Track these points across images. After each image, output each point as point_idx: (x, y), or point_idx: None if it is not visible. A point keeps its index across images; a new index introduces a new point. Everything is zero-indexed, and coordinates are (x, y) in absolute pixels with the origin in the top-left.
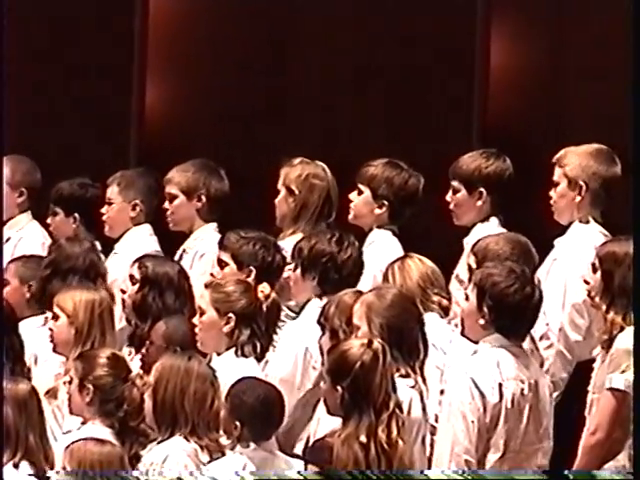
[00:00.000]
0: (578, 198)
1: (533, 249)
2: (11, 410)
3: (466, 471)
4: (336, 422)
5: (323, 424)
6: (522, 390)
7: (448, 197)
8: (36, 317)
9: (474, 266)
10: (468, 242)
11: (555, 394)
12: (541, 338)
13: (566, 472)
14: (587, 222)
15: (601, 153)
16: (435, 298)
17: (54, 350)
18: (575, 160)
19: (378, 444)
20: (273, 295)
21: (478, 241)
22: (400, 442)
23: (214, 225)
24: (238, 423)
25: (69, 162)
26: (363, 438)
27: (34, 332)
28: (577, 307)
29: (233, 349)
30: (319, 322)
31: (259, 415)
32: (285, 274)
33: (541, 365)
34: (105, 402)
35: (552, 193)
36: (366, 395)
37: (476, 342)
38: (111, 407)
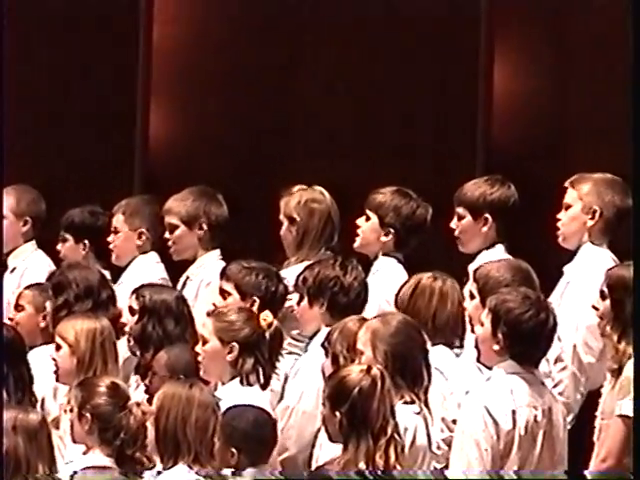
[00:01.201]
0: (590, 222)
1: (534, 275)
2: (22, 440)
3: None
4: (338, 448)
5: (325, 450)
6: (535, 417)
7: (453, 224)
8: (49, 345)
9: (475, 293)
10: (473, 269)
11: (569, 417)
12: (556, 361)
13: (585, 472)
14: (599, 243)
15: (617, 183)
16: None
17: (57, 379)
18: (591, 185)
19: (376, 470)
20: (275, 323)
21: (479, 268)
22: (398, 468)
23: (217, 252)
24: (234, 450)
25: (74, 189)
26: (362, 465)
27: (47, 361)
28: (591, 329)
29: (238, 378)
30: (323, 346)
31: (253, 439)
32: (288, 303)
33: (554, 387)
34: (104, 430)
35: (561, 215)
36: (364, 420)
37: (490, 368)
38: (109, 435)
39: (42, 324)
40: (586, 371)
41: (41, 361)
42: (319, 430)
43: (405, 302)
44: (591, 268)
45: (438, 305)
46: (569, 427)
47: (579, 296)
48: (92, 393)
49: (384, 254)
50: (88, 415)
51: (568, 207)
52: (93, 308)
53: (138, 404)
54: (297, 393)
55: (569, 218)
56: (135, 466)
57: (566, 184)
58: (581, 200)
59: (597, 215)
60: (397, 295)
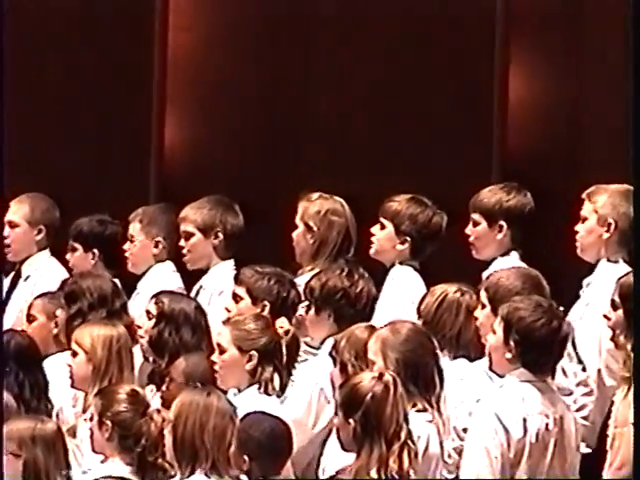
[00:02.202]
0: (606, 235)
1: (544, 282)
2: (41, 450)
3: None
4: (345, 457)
5: (332, 460)
6: (547, 425)
7: (468, 230)
8: (63, 353)
9: (485, 302)
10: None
11: (596, 432)
12: (579, 384)
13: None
14: (616, 262)
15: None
16: None
17: (72, 386)
18: (606, 197)
19: (389, 475)
20: (292, 330)
21: (489, 277)
22: (412, 473)
23: (231, 262)
24: (246, 458)
25: (89, 198)
26: (374, 473)
27: (62, 368)
28: (612, 352)
29: (255, 385)
30: (331, 354)
31: (266, 449)
32: (299, 311)
33: (577, 410)
34: (124, 438)
35: (579, 228)
36: (377, 426)
37: (502, 376)
38: (130, 443)
39: (54, 331)
40: (609, 395)
41: (56, 369)
42: (326, 440)
43: (430, 315)
44: (609, 289)
45: (465, 321)
46: (589, 451)
47: (599, 319)
48: (112, 401)
49: (400, 262)
50: (108, 422)
51: (584, 220)
52: (107, 317)
53: (159, 410)
54: (290, 401)
55: (585, 231)
56: (157, 473)
57: (583, 196)
58: (596, 213)
59: (612, 228)
60: (419, 306)
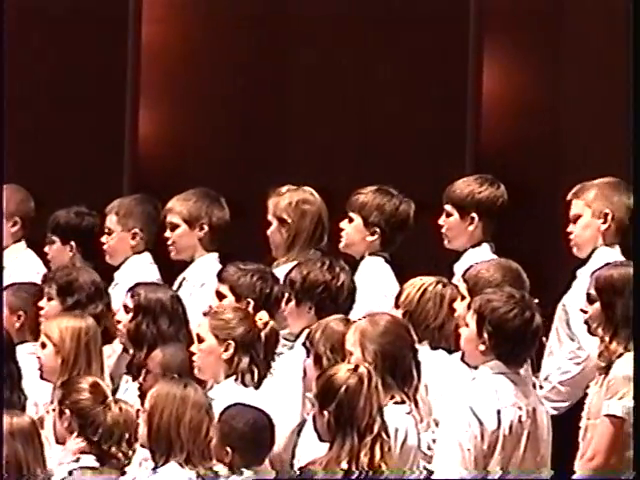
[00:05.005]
0: (604, 226)
1: (524, 275)
2: (20, 444)
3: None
4: (320, 448)
5: (307, 451)
6: (520, 417)
7: (441, 221)
8: (25, 344)
9: (465, 293)
10: (458, 267)
11: (566, 403)
12: (570, 352)
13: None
14: (611, 245)
15: (620, 184)
16: None
17: (41, 377)
18: (596, 190)
19: (360, 468)
20: (272, 323)
21: (469, 268)
22: (383, 466)
23: (216, 255)
24: (229, 449)
25: (63, 190)
26: (344, 464)
27: (25, 359)
28: None
29: (232, 377)
30: (304, 345)
31: (249, 440)
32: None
33: (562, 374)
34: (83, 427)
35: (572, 228)
36: (350, 419)
37: (475, 367)
38: (88, 432)
39: (17, 324)
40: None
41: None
42: (300, 430)
43: (413, 305)
44: None
45: (448, 312)
46: (560, 413)
47: None
48: (72, 390)
49: (370, 254)
50: (67, 411)
51: (577, 217)
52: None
53: (116, 401)
54: (270, 392)
55: (581, 227)
56: (111, 461)
57: (569, 197)
58: (589, 207)
59: (609, 218)
60: (399, 297)
